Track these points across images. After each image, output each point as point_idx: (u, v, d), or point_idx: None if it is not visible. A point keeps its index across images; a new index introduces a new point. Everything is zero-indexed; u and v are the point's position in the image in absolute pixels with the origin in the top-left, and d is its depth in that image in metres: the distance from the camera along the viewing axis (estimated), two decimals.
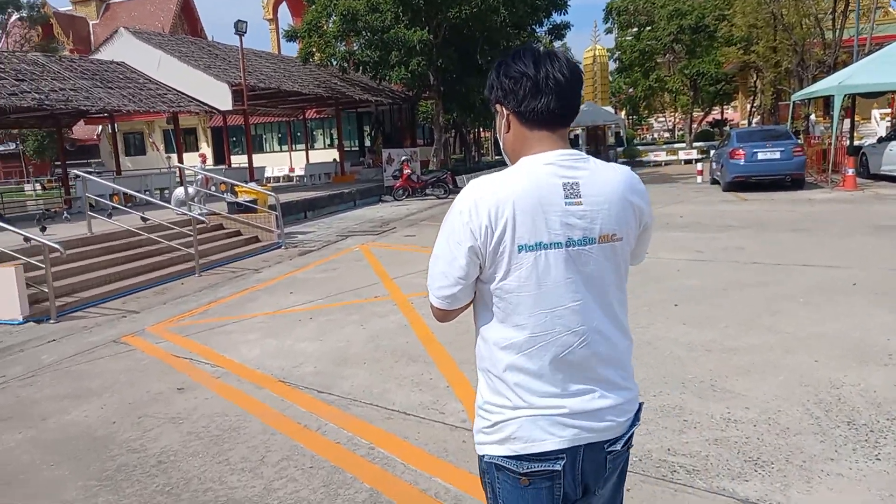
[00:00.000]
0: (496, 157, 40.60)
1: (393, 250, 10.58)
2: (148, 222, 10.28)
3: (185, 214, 10.35)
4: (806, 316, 5.38)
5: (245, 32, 17.05)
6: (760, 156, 15.61)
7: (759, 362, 4.41)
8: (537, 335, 1.42)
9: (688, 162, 33.69)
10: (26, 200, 26.45)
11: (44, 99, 13.35)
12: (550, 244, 1.39)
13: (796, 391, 3.87)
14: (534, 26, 26.10)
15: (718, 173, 17.93)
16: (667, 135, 55.55)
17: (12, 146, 42.69)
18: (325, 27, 21.20)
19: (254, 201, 12.48)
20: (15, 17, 44.54)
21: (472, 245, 1.39)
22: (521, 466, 1.43)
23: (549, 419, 1.42)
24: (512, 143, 1.52)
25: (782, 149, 15.59)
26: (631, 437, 1.53)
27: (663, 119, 60.32)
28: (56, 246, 7.01)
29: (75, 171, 10.63)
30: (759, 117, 37.36)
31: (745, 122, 38.11)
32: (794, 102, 20.40)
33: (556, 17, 26.41)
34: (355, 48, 21.40)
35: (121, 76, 17.20)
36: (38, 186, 33.74)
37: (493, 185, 1.41)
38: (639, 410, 1.56)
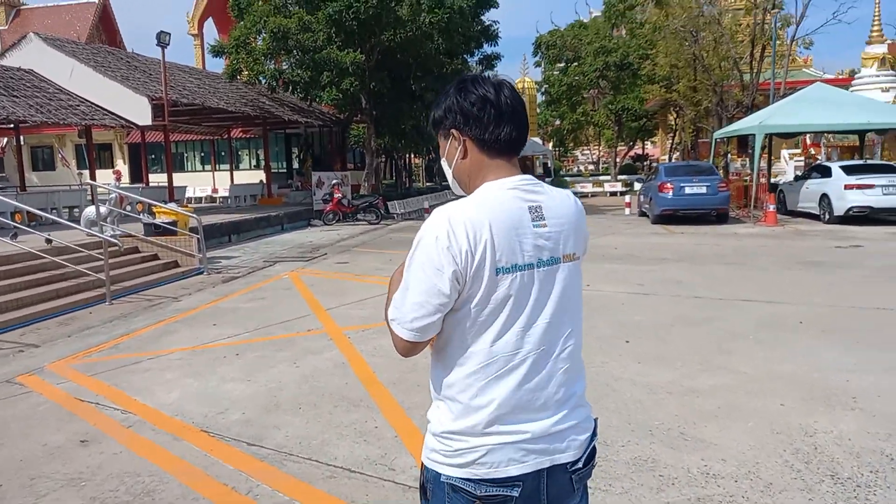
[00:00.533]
0: (427, 184, 40.51)
1: (325, 278, 10.04)
2: (53, 244, 9.34)
3: (96, 236, 9.47)
4: (761, 355, 5.26)
5: (168, 44, 16.20)
6: (688, 190, 16.04)
7: (724, 406, 4.20)
8: (507, 355, 1.42)
9: (612, 194, 34.71)
10: None
11: None
12: (525, 265, 1.42)
13: (770, 440, 3.66)
14: (465, 55, 26.32)
15: (647, 206, 18.34)
16: (591, 167, 57.19)
17: None
18: (254, 44, 20.53)
19: (173, 223, 11.65)
20: None
21: (455, 269, 1.37)
22: (479, 489, 1.42)
23: (514, 446, 1.42)
24: (468, 171, 1.52)
25: (708, 184, 16.08)
26: (593, 453, 1.55)
27: (588, 151, 62.14)
28: None
29: None
30: (678, 153, 38.97)
31: (666, 157, 39.59)
32: (714, 140, 21.19)
33: (487, 48, 26.83)
34: (285, 67, 20.77)
35: (28, 84, 15.95)
36: None
37: (467, 211, 1.40)
38: (595, 426, 1.58)
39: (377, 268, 10.72)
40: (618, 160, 39.41)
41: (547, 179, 38.27)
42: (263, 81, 21.23)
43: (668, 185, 16.17)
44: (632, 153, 46.85)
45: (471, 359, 1.43)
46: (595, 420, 1.58)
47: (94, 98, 16.99)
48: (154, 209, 12.21)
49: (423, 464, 1.54)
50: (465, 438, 1.43)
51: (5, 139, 32.60)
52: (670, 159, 37.85)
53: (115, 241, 8.77)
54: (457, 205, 1.42)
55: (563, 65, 39.13)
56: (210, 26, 40.04)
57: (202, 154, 34.57)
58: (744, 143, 30.38)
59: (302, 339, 6.34)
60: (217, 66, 34.59)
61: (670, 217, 16.32)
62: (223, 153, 32.73)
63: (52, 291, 8.52)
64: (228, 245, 14.88)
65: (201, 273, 10.88)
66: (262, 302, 8.36)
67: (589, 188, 37.02)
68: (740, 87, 23.24)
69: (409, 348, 1.47)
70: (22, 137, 30.34)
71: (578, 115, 38.74)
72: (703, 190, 16.05)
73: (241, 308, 8.04)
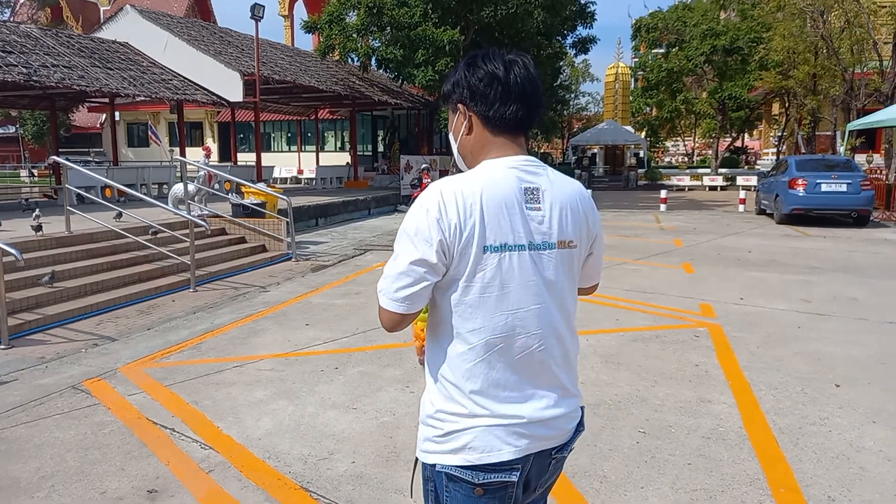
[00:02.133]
0: None
1: None
2: (133, 221, 8.69)
3: (182, 216, 8.77)
4: None
5: (262, 17, 15.55)
6: (824, 187, 14.10)
7: None
8: (497, 337, 1.41)
9: (712, 188, 32.41)
10: (21, 187, 24.88)
11: (31, 74, 11.79)
12: (514, 246, 1.40)
13: None
14: (559, 37, 24.77)
15: (766, 202, 16.50)
16: (682, 159, 54.19)
17: (11, 129, 41.09)
18: (347, 20, 19.72)
19: (262, 204, 10.90)
20: None
21: (441, 240, 1.36)
22: (477, 477, 1.41)
23: (505, 429, 1.41)
24: (472, 146, 1.51)
25: (849, 181, 14.07)
26: (574, 441, 1.53)
27: (678, 143, 58.78)
28: (10, 250, 5.42)
29: (53, 157, 9.02)
30: (784, 146, 36.02)
31: (772, 150, 36.69)
32: (847, 132, 18.89)
33: (582, 31, 25.18)
34: (377, 45, 19.86)
35: (122, 57, 15.66)
36: (34, 173, 32.15)
37: (459, 185, 1.40)
38: (582, 416, 1.56)
39: None
40: (720, 152, 36.68)
41: (640, 170, 36.38)
42: (355, 60, 20.40)
43: (801, 181, 14.26)
44: (730, 146, 43.69)
45: (460, 339, 1.42)
46: (582, 409, 1.55)
47: (187, 73, 16.60)
48: (242, 189, 11.53)
49: (416, 461, 1.51)
50: (455, 420, 1.41)
51: (104, 115, 33.47)
52: (779, 153, 34.99)
53: (203, 222, 8.01)
54: (452, 179, 1.42)
55: (662, 49, 36.79)
56: (300, 8, 39.83)
57: (289, 134, 34.41)
58: (870, 137, 27.53)
59: (409, 351, 5.29)
60: (307, 44, 34.33)
61: (799, 217, 14.45)
62: (309, 134, 32.43)
63: (134, 275, 7.84)
64: (315, 229, 14.13)
65: (289, 259, 10.08)
66: (357, 298, 7.39)
67: (686, 181, 34.76)
68: (878, 73, 20.65)
69: (395, 321, 1.44)
70: (118, 113, 31.05)
71: (678, 103, 36.23)
72: (843, 188, 14.05)
73: (335, 305, 7.09)
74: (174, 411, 4.05)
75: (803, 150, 29.99)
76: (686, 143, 55.93)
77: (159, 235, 8.59)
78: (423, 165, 19.41)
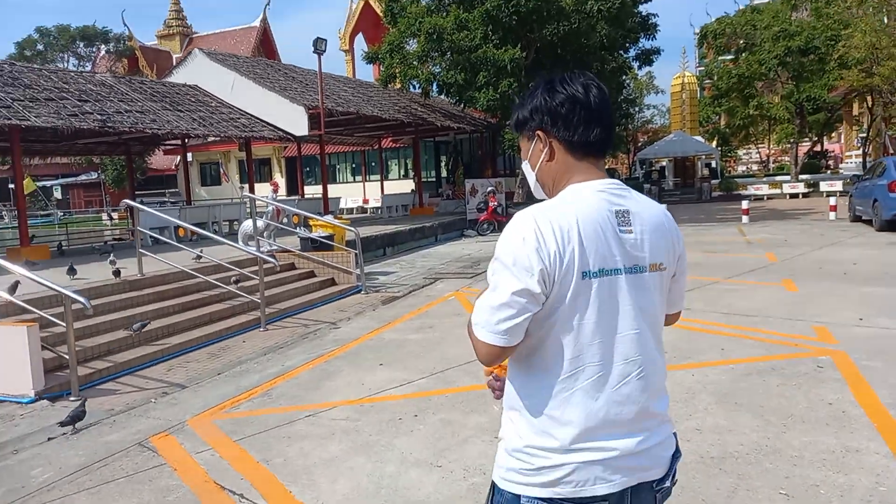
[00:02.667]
0: None
1: None
2: (203, 260, 8.60)
3: (251, 253, 8.62)
4: None
5: (324, 51, 15.62)
6: None
7: None
8: (596, 364, 1.36)
9: (793, 196, 30.72)
10: (102, 230, 25.97)
11: (106, 120, 12.10)
12: (612, 270, 1.36)
13: None
14: (621, 51, 24.03)
15: (862, 208, 15.28)
16: (755, 168, 51.82)
17: (94, 175, 43.29)
18: (407, 48, 19.71)
19: (330, 237, 10.71)
20: (103, 50, 45.83)
21: (543, 269, 1.31)
22: None
23: (602, 464, 1.34)
24: (555, 173, 1.47)
25: None
26: (675, 471, 1.46)
27: (751, 151, 56.18)
28: (78, 298, 5.28)
29: (126, 201, 9.08)
30: (871, 147, 33.86)
31: (860, 153, 34.56)
32: None
33: (645, 43, 24.37)
34: (437, 70, 19.72)
35: (192, 99, 16.03)
36: (114, 216, 33.60)
37: (554, 212, 1.36)
38: (677, 441, 1.49)
39: None
40: (800, 157, 34.75)
41: (714, 181, 34.86)
42: (416, 87, 20.33)
43: None
44: (810, 150, 41.35)
45: (556, 367, 1.37)
46: (675, 435, 1.49)
47: (254, 111, 16.85)
48: (310, 222, 11.40)
49: (493, 484, 1.44)
50: (548, 455, 1.35)
51: (178, 157, 34.78)
52: (864, 156, 32.93)
53: (272, 259, 7.80)
54: (543, 206, 1.39)
55: (730, 56, 35.42)
56: (360, 42, 40.55)
57: (353, 165, 34.78)
58: None
59: (490, 394, 4.80)
60: (368, 76, 34.76)
61: None
62: (373, 163, 32.66)
63: (205, 316, 7.70)
64: (383, 259, 13.89)
65: (359, 292, 9.80)
66: (431, 333, 6.97)
67: (764, 190, 33.10)
68: None
69: (494, 354, 1.38)
70: (190, 154, 32.14)
71: (751, 109, 34.62)
72: None
73: (409, 341, 6.70)
74: (243, 472, 3.70)
75: (891, 151, 27.99)
76: (760, 150, 53.47)
77: (230, 274, 8.46)
78: (490, 188, 18.99)
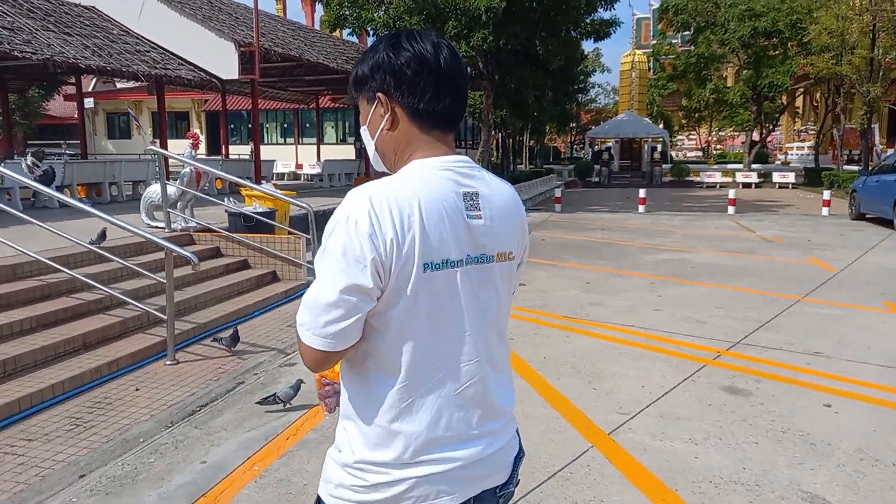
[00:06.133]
0: (530, 167, 36.16)
1: None
2: (74, 246, 5.60)
3: (155, 240, 5.67)
4: None
5: None
6: None
7: None
8: (436, 366, 1.18)
9: (746, 185, 29.68)
10: None
11: None
12: (456, 262, 1.17)
13: None
14: (587, 18, 21.58)
15: (873, 206, 13.71)
16: (691, 154, 51.22)
17: None
18: None
19: (270, 214, 7.84)
20: None
21: (375, 258, 1.09)
22: None
23: (444, 475, 1.18)
24: (395, 144, 1.23)
25: None
26: (518, 472, 1.33)
27: (686, 137, 55.43)
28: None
29: None
30: (813, 141, 33.36)
31: (809, 145, 34.00)
32: None
33: (604, 14, 22.02)
34: (398, 15, 16.73)
35: (86, 22, 12.45)
36: None
37: (391, 192, 1.13)
38: (520, 440, 1.35)
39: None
40: (748, 146, 33.77)
41: (665, 166, 33.45)
42: (371, 33, 17.30)
43: None
44: (763, 139, 40.60)
45: (393, 373, 1.17)
46: (517, 433, 1.34)
47: (169, 45, 13.44)
48: (243, 192, 8.45)
49: (318, 498, 1.25)
50: (385, 470, 1.17)
51: (89, 102, 30.10)
52: (817, 148, 32.26)
53: (191, 255, 4.86)
54: (379, 184, 1.15)
55: (687, 33, 33.94)
56: None
57: (284, 126, 31.18)
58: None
59: None
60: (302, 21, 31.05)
61: None
62: (307, 125, 29.25)
63: (71, 340, 4.73)
64: None
65: None
66: None
67: (717, 178, 32.01)
68: None
69: (320, 360, 1.17)
70: (92, 100, 27.65)
71: (708, 92, 33.30)
72: None
73: None
74: None
75: (839, 145, 27.23)
76: (699, 136, 52.87)
77: (121, 267, 5.50)
78: None
